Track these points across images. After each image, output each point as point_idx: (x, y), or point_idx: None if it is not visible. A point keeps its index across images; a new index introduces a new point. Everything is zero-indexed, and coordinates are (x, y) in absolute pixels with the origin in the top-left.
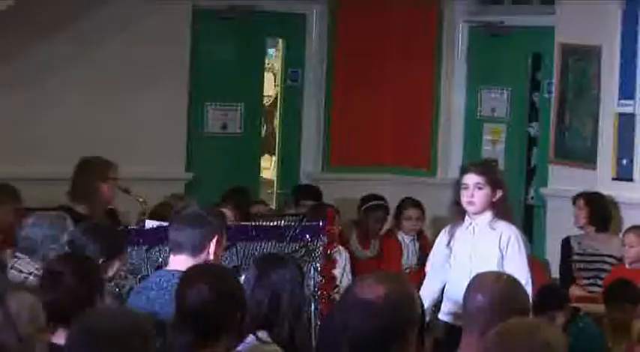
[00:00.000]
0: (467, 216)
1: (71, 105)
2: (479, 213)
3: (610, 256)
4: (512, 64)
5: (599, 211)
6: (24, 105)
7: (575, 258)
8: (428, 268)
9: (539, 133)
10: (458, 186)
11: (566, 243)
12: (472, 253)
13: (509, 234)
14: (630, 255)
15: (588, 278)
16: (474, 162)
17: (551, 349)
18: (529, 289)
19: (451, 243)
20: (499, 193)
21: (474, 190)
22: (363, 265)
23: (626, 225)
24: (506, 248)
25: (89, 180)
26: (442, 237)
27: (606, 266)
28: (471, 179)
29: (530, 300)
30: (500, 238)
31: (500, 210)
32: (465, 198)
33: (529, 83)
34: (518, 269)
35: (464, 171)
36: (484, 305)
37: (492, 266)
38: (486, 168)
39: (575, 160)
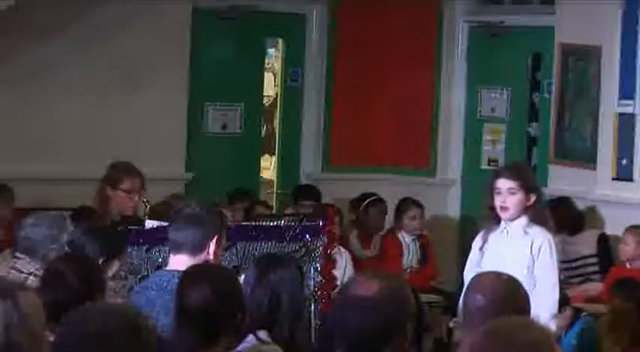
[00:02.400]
0: (502, 220)
1: (71, 105)
2: (513, 218)
3: (592, 256)
4: (512, 64)
5: (564, 216)
6: (24, 105)
7: (560, 265)
8: (465, 274)
9: (539, 133)
10: (491, 190)
11: None
12: (501, 256)
13: (541, 239)
14: (624, 254)
15: (580, 284)
16: (507, 166)
17: (538, 349)
18: (555, 293)
19: (484, 247)
20: (533, 197)
21: (507, 195)
22: (363, 265)
23: (625, 224)
24: (538, 253)
25: (101, 183)
26: (477, 242)
27: (593, 268)
28: (504, 184)
29: (556, 305)
30: (532, 243)
31: (535, 214)
32: (498, 203)
33: (529, 83)
34: (548, 275)
35: (497, 175)
36: (484, 305)
37: (520, 270)
38: (519, 173)
39: (575, 160)
